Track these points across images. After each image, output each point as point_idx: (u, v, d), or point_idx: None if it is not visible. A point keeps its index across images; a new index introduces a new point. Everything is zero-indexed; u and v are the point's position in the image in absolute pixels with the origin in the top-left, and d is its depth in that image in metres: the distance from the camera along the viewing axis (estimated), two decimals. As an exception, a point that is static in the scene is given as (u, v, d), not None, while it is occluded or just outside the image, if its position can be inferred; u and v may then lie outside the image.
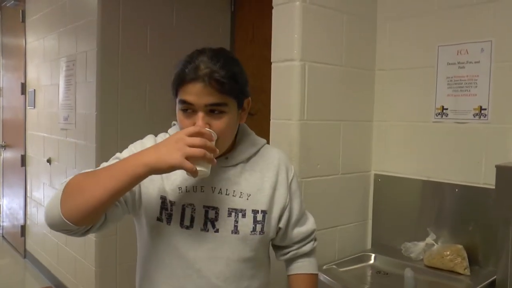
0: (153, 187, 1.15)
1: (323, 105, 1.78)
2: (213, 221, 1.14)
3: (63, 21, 3.28)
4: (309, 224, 1.34)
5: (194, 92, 1.05)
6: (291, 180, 1.27)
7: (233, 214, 1.15)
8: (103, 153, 2.81)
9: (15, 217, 4.55)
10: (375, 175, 2.02)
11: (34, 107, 3.94)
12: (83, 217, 0.98)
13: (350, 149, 1.92)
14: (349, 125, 1.90)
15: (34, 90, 3.93)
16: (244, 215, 1.16)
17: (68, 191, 1.01)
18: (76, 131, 3.12)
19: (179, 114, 1.11)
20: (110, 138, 2.84)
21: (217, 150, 1.04)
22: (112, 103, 2.85)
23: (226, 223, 1.15)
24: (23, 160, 4.22)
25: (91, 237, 2.90)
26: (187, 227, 1.14)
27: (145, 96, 2.96)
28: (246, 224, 1.16)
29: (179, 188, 1.15)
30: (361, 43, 1.93)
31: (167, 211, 1.14)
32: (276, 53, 1.73)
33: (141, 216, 1.17)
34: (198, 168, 0.98)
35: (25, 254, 4.25)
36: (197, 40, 3.09)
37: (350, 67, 1.88)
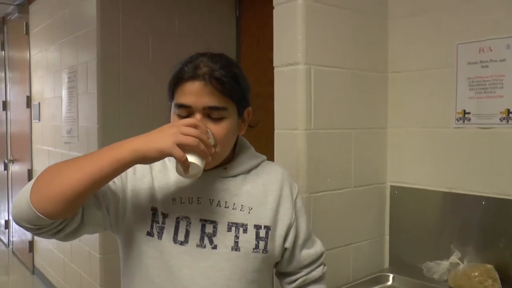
0: (142, 197, 1.02)
1: (332, 112, 1.62)
2: (211, 236, 1.02)
3: (64, 32, 3.23)
4: (318, 246, 1.22)
5: (193, 92, 0.97)
6: (296, 197, 1.16)
7: (233, 228, 1.04)
8: (105, 166, 2.71)
9: (23, 232, 4.49)
10: (391, 187, 1.85)
11: (39, 120, 3.90)
12: (55, 207, 0.86)
13: (363, 160, 1.76)
14: (361, 133, 1.74)
15: (39, 103, 3.89)
16: (245, 230, 1.04)
17: (41, 179, 0.89)
18: (79, 145, 3.05)
19: (174, 119, 1.01)
20: (112, 151, 2.74)
21: (213, 149, 0.94)
22: (113, 115, 2.77)
23: (225, 239, 1.03)
24: (30, 175, 4.17)
25: (95, 254, 2.82)
26: (181, 243, 1.01)
27: (148, 107, 2.88)
28: (247, 240, 1.04)
29: (172, 199, 1.03)
30: (372, 44, 1.77)
31: (158, 224, 1.01)
32: (278, 56, 1.58)
33: (126, 230, 1.03)
34: (190, 160, 0.88)
35: (33, 270, 4.19)
36: (201, 47, 2.94)
37: (360, 70, 1.72)
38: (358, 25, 1.71)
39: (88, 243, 2.94)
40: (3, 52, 4.95)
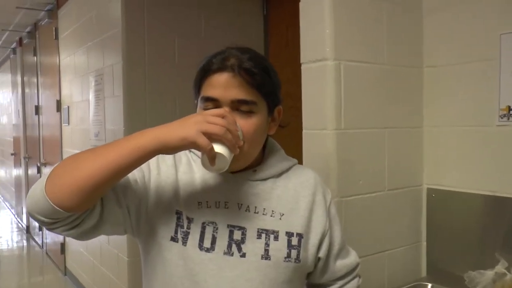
0: (166, 199, 0.96)
1: (363, 111, 1.53)
2: (239, 244, 0.95)
3: (91, 35, 3.24)
4: (353, 256, 1.13)
5: (220, 84, 0.91)
6: (330, 203, 1.08)
7: (263, 235, 0.97)
8: (132, 170, 2.69)
9: (55, 235, 4.54)
10: (428, 189, 1.73)
11: (69, 124, 3.93)
12: (71, 198, 0.80)
13: (398, 161, 1.65)
14: (395, 132, 1.63)
15: (68, 107, 3.92)
16: (276, 238, 0.97)
17: (57, 169, 0.84)
18: (106, 148, 3.02)
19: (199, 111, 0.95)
20: (139, 154, 2.72)
21: (241, 142, 0.88)
22: (140, 118, 2.73)
23: (255, 247, 0.96)
24: (60, 178, 4.18)
25: (124, 257, 2.81)
26: (207, 250, 0.94)
27: (175, 110, 2.83)
28: (279, 248, 0.97)
29: (198, 202, 0.96)
30: (405, 37, 1.66)
31: (183, 229, 0.95)
32: (305, 52, 1.50)
33: (148, 234, 0.97)
34: (216, 150, 0.82)
35: (65, 271, 4.25)
36: None
37: (393, 65, 1.61)
38: (389, 18, 1.60)
39: (116, 246, 2.93)
40: (35, 58, 5.03)
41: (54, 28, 4.14)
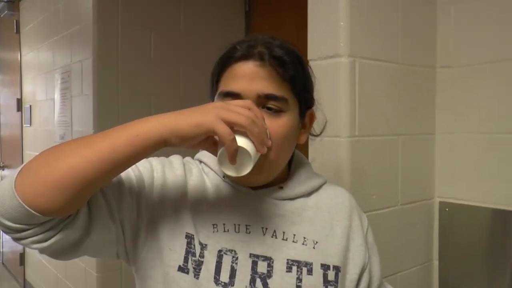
0: (173, 218, 0.75)
1: (377, 116, 1.35)
2: (265, 278, 0.76)
3: (57, 29, 2.99)
4: None
5: (245, 74, 0.75)
6: (367, 230, 0.90)
7: (294, 268, 0.77)
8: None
9: (14, 243, 4.24)
10: (441, 203, 1.58)
11: (30, 124, 3.66)
12: (50, 197, 0.60)
13: (410, 171, 1.48)
14: (408, 140, 1.46)
15: (30, 106, 3.65)
16: (310, 271, 0.78)
17: (34, 161, 0.63)
18: (73, 152, 2.78)
19: None
20: (110, 159, 2.50)
21: (269, 142, 0.69)
22: (111, 119, 2.51)
23: (284, 282, 0.76)
24: (21, 183, 3.90)
25: (92, 271, 2.57)
26: (225, 285, 0.74)
27: (150, 110, 2.62)
28: (313, 284, 0.78)
29: (213, 225, 0.77)
30: (419, 33, 1.50)
31: (194, 257, 0.74)
32: (314, 48, 1.30)
33: (148, 261, 0.75)
34: (239, 144, 0.63)
35: (24, 284, 3.95)
36: (207, 44, 2.83)
37: (408, 65, 1.44)
38: (405, 11, 1.43)
39: (83, 259, 2.68)
40: (-7, 53, 4.70)
41: (15, 20, 3.87)
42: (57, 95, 3.02)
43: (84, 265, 2.67)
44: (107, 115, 2.50)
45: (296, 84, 0.78)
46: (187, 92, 2.66)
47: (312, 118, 0.88)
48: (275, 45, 0.77)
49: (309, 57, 1.32)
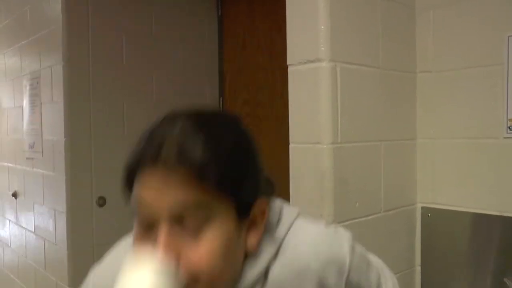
0: None
1: (360, 121, 1.32)
2: None
3: (25, 33, 2.87)
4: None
5: (152, 185, 0.60)
6: (347, 275, 0.74)
7: None
8: (75, 186, 2.38)
9: (-19, 257, 4.05)
10: (423, 208, 1.56)
11: (-3, 133, 3.49)
12: None
13: (393, 178, 1.46)
14: (390, 145, 1.44)
15: (-4, 114, 3.48)
16: None
17: None
18: (43, 161, 2.67)
19: (134, 227, 0.64)
20: (82, 168, 2.40)
21: None
22: (83, 127, 2.42)
23: None
24: (-12, 194, 3.73)
25: (64, 285, 2.45)
26: None
27: (123, 117, 2.51)
28: None
29: None
30: (399, 38, 1.48)
31: None
32: (293, 52, 1.27)
33: None
34: None
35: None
36: (180, 50, 2.76)
37: (388, 69, 1.42)
38: (385, 15, 1.41)
39: (54, 272, 2.58)
40: (-43, 58, 4.49)
41: (-21, 24, 3.69)
42: (25, 103, 2.89)
43: (55, 278, 2.56)
44: (79, 123, 2.40)
45: (223, 182, 0.60)
46: (160, 98, 2.59)
47: (265, 210, 0.68)
48: (191, 143, 0.60)
49: (288, 62, 1.28)
